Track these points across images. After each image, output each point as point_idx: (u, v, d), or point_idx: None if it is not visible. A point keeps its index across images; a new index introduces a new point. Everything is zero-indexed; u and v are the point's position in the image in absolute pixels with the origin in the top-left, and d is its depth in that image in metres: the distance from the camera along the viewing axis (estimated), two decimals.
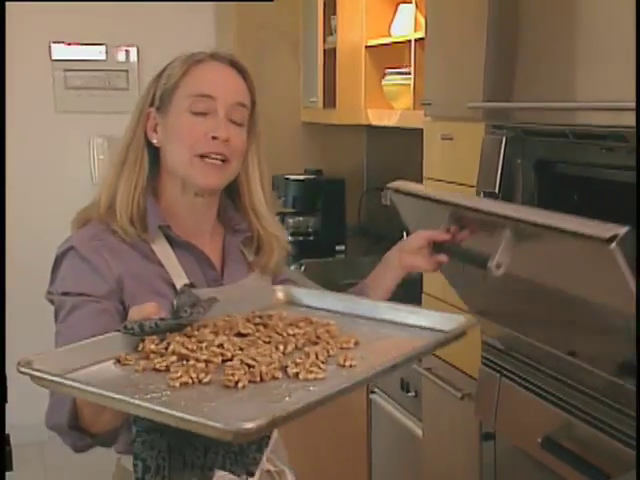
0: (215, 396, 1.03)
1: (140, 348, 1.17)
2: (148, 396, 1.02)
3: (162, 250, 1.45)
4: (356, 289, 1.65)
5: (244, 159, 1.51)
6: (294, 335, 1.24)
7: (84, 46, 4.01)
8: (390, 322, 1.32)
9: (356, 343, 1.23)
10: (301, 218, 3.70)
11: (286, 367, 1.11)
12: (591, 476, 1.56)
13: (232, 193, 1.56)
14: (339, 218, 3.75)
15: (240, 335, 1.24)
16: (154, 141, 1.48)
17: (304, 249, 3.54)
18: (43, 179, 4.06)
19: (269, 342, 1.21)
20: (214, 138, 1.43)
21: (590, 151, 1.58)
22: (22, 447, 3.27)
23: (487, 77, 1.83)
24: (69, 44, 3.99)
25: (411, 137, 2.76)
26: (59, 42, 3.97)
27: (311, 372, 1.09)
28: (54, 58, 3.98)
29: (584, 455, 1.60)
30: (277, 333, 1.25)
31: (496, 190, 1.82)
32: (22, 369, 1.05)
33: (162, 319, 1.19)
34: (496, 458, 2.01)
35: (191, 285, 1.39)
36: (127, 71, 4.09)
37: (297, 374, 1.09)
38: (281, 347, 1.19)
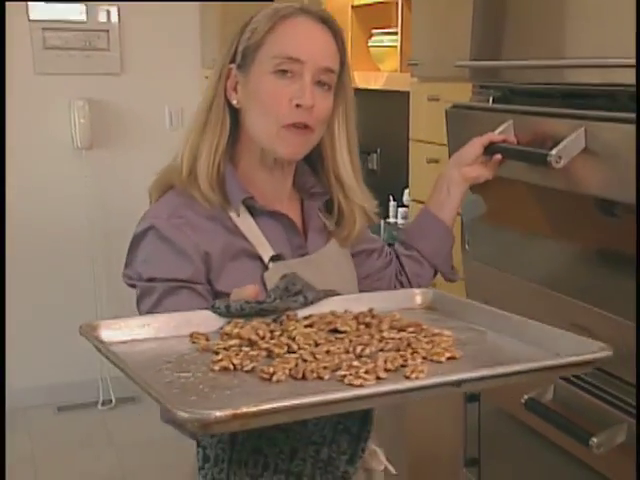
0: (243, 385, 0.99)
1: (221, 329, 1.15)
2: (174, 375, 0.99)
3: (244, 222, 1.38)
4: (419, 218, 1.63)
5: (330, 123, 1.42)
6: (387, 339, 1.14)
7: (63, 3, 3.90)
8: (530, 342, 1.15)
9: (451, 358, 1.10)
10: None
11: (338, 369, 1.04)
12: (574, 436, 1.57)
13: (313, 157, 1.47)
14: None
15: (336, 331, 1.17)
16: (234, 102, 1.39)
17: None
18: (23, 143, 3.99)
19: (351, 341, 1.13)
20: (298, 106, 1.33)
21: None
22: (7, 413, 3.25)
23: (474, 36, 1.81)
24: (48, 2, 3.87)
25: (397, 100, 2.73)
26: (37, 0, 3.87)
27: (359, 378, 0.99)
28: (32, 18, 3.89)
29: (567, 415, 1.61)
30: (370, 335, 1.15)
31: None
32: (83, 333, 1.07)
33: (248, 302, 1.17)
34: (480, 420, 2.02)
35: (278, 257, 1.35)
36: (108, 31, 4.01)
37: (343, 377, 1.01)
38: (359, 349, 1.10)
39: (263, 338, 1.11)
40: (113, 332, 1.09)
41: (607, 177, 1.40)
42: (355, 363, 1.05)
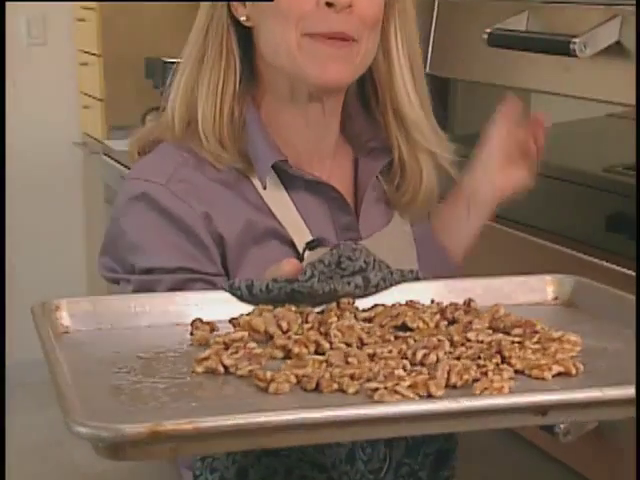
0: (228, 396, 0.70)
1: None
2: (136, 377, 0.71)
3: (272, 192, 1.01)
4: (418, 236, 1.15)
5: (383, 36, 1.02)
6: (473, 342, 0.80)
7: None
8: None
9: (564, 374, 0.74)
10: None
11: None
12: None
13: (363, 92, 1.08)
14: None
15: (404, 329, 0.84)
16: (242, 18, 1.00)
17: None
18: None
19: (415, 342, 0.79)
20: (329, 5, 0.95)
21: None
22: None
23: None
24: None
25: None
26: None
27: (396, 394, 0.67)
28: None
29: None
30: (448, 335, 0.81)
31: None
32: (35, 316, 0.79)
33: (276, 281, 0.84)
34: None
35: (318, 242, 0.99)
36: None
37: (374, 391, 0.68)
38: (420, 354, 0.76)
39: (286, 332, 0.80)
40: (82, 316, 0.79)
41: (632, 79, 1.12)
42: (399, 372, 0.72)
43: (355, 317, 0.86)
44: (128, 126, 2.84)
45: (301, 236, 0.99)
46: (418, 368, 0.74)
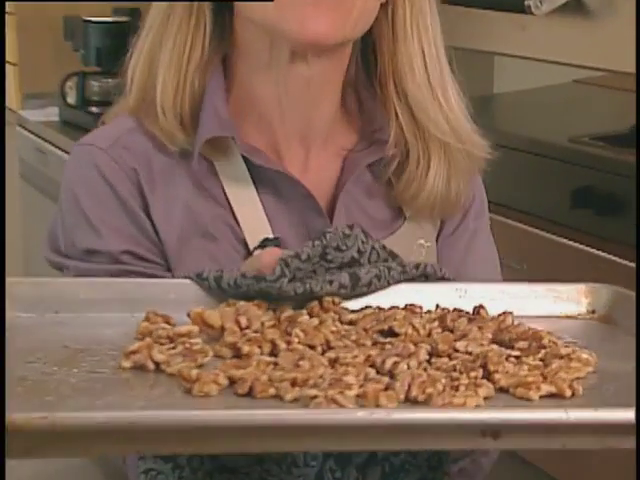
0: (142, 395, 0.60)
1: None
2: (50, 369, 0.62)
3: (238, 183, 0.87)
4: None
5: None
6: (460, 353, 0.68)
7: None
8: None
9: (557, 396, 0.62)
10: (109, 80, 2.38)
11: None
12: None
13: (368, 65, 0.93)
14: None
15: (392, 334, 0.72)
16: None
17: None
18: None
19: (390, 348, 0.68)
20: None
21: None
22: None
23: None
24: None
25: None
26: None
27: (334, 402, 0.56)
28: None
29: None
30: (434, 344, 0.69)
31: None
32: None
33: (245, 277, 0.73)
34: None
35: (276, 243, 0.85)
36: None
37: (313, 399, 0.58)
38: (389, 362, 0.64)
39: (245, 329, 0.70)
40: (25, 299, 0.70)
41: (596, 41, 1.08)
42: (348, 379, 0.60)
43: (340, 319, 0.76)
44: (45, 94, 2.57)
45: (258, 236, 0.85)
46: (381, 378, 0.62)
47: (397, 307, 0.78)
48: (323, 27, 0.80)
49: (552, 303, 0.84)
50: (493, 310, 0.79)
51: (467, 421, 0.53)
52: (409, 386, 0.60)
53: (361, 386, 0.60)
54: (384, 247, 0.79)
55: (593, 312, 0.83)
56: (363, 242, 0.78)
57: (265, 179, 0.87)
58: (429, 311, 0.78)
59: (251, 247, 0.84)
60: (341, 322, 0.75)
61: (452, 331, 0.74)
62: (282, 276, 0.72)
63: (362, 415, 0.53)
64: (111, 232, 0.85)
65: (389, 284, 0.79)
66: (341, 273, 0.76)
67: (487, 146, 0.92)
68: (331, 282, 0.75)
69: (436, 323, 0.76)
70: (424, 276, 0.81)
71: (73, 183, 0.88)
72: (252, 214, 0.86)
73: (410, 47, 0.87)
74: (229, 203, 0.86)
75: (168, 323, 0.72)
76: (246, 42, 0.87)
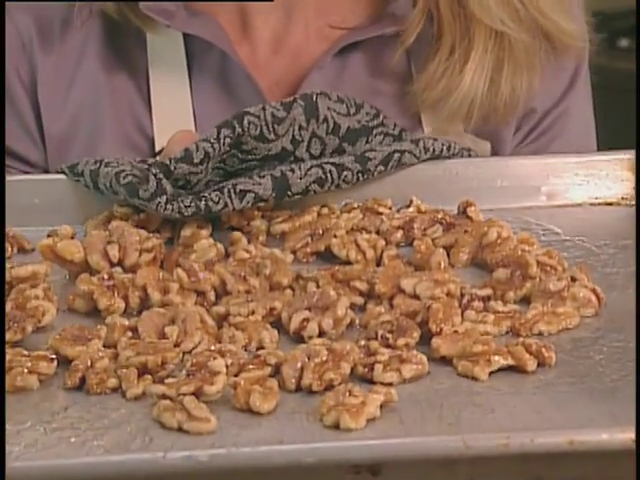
0: None
1: None
2: None
3: (167, 64, 0.67)
4: None
5: None
6: (406, 296, 0.49)
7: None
8: None
9: (518, 369, 0.43)
10: None
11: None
12: None
13: None
14: None
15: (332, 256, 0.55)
16: None
17: None
18: None
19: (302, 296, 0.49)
20: None
21: None
22: None
23: None
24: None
25: None
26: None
27: (183, 407, 0.39)
28: None
29: None
30: (378, 286, 0.50)
31: None
32: None
33: (120, 182, 0.54)
34: None
35: None
36: None
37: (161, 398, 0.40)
38: (295, 324, 0.46)
39: (116, 264, 0.51)
40: None
41: None
42: (215, 365, 0.41)
43: (268, 231, 0.57)
44: None
45: (166, 131, 0.63)
46: (267, 356, 0.44)
47: (353, 206, 0.59)
48: None
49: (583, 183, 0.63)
50: (497, 199, 0.60)
51: (331, 460, 0.35)
52: (302, 369, 0.42)
53: (236, 374, 0.42)
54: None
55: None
56: (301, 127, 0.57)
57: (209, 60, 0.66)
58: (392, 214, 0.58)
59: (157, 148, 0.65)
60: (268, 234, 0.56)
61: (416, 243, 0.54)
62: (157, 194, 0.52)
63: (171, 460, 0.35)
64: None
65: (337, 187, 0.58)
66: (261, 178, 0.55)
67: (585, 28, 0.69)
68: (243, 194, 0.54)
69: (399, 234, 0.56)
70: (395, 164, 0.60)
71: None
72: (172, 106, 0.66)
73: None
74: (148, 91, 0.66)
75: (21, 249, 0.55)
76: None
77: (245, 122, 0.55)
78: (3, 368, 0.43)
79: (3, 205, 0.55)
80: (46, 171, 0.67)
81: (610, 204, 0.61)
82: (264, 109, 0.56)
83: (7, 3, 0.69)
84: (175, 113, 0.65)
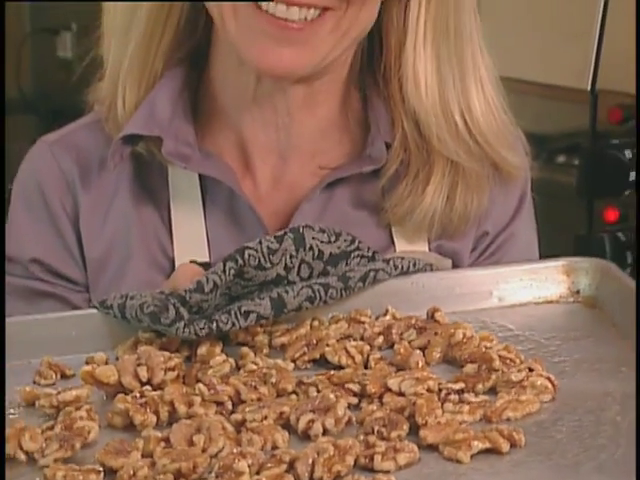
0: None
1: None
2: None
3: (186, 198, 0.78)
4: None
5: None
6: (393, 393, 0.58)
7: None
8: None
9: (493, 451, 0.51)
10: None
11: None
12: None
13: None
14: None
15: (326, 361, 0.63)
16: None
17: None
18: None
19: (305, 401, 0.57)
20: None
21: None
22: None
23: None
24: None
25: None
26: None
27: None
28: None
29: None
30: (368, 387, 0.58)
31: None
32: None
33: (144, 311, 0.63)
34: None
35: (205, 265, 0.73)
36: None
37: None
38: (302, 424, 0.54)
39: (147, 383, 0.59)
40: None
41: None
42: (240, 467, 0.50)
43: (270, 343, 0.66)
44: None
45: (185, 255, 0.75)
46: (282, 455, 0.52)
47: (339, 317, 0.68)
48: (285, 61, 0.70)
49: (531, 286, 0.73)
50: (465, 303, 0.69)
51: None
52: (313, 464, 0.51)
53: (257, 472, 0.51)
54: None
55: (577, 293, 0.72)
56: (292, 256, 0.67)
57: (219, 194, 0.77)
58: (372, 322, 0.67)
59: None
60: (270, 347, 0.65)
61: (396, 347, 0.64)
62: (176, 320, 0.62)
63: None
64: (25, 236, 0.79)
65: (325, 303, 0.67)
66: (261, 299, 0.65)
67: (526, 161, 0.81)
68: (247, 314, 0.64)
69: (380, 339, 0.66)
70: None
71: (15, 180, 0.83)
72: (190, 233, 0.77)
73: (419, 51, 0.74)
74: (169, 222, 0.78)
75: (64, 375, 0.63)
76: (220, 41, 0.76)
77: (246, 255, 0.65)
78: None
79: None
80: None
81: (551, 302, 0.71)
82: (261, 242, 0.65)
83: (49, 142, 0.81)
84: (192, 239, 0.77)
